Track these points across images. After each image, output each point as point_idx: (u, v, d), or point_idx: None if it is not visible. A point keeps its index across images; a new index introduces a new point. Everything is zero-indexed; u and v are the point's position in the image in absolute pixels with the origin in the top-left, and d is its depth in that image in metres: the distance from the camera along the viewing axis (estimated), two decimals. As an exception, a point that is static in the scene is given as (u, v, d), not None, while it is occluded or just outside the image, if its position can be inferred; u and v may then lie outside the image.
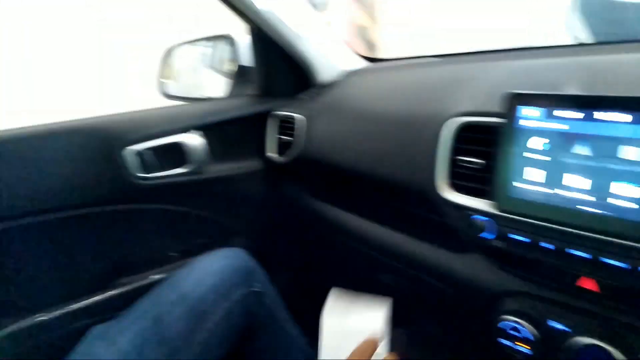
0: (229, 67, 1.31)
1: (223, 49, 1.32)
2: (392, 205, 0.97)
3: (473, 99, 0.73)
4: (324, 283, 1.43)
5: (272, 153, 1.21)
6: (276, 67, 1.20)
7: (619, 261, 0.55)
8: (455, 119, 0.72)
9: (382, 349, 0.61)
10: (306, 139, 1.10)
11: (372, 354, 0.61)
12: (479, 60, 0.94)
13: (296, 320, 1.04)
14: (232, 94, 1.28)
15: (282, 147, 1.18)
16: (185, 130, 1.09)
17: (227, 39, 1.28)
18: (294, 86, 1.20)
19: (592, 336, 0.61)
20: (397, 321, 1.31)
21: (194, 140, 1.10)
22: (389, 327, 0.62)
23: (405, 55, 1.16)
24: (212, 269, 0.91)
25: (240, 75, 1.26)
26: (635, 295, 0.56)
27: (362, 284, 1.36)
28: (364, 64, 1.21)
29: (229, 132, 1.18)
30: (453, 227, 0.74)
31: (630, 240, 0.53)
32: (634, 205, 0.53)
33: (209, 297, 0.85)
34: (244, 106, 1.21)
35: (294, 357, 1.01)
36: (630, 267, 0.54)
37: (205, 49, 1.41)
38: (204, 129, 1.12)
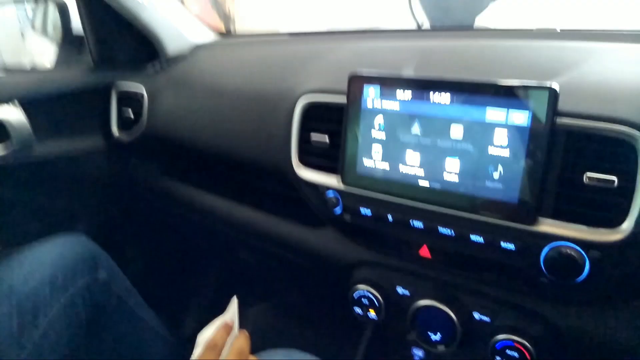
0: (60, 33, 1.14)
1: (53, 12, 1.15)
2: (248, 183, 0.96)
3: (320, 78, 0.75)
4: (181, 264, 1.39)
5: (115, 130, 1.10)
6: (113, 35, 1.08)
7: (447, 229, 0.62)
8: (304, 96, 0.73)
9: (235, 331, 0.63)
10: (153, 115, 1.02)
11: (227, 337, 0.61)
12: (327, 40, 0.96)
13: (155, 304, 0.99)
14: (64, 64, 1.12)
15: (127, 123, 1.08)
16: (2, 103, 0.93)
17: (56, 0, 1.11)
18: (137, 58, 1.10)
19: (429, 298, 0.68)
20: (259, 296, 1.34)
21: (12, 115, 0.94)
22: (238, 313, 0.64)
23: (257, 32, 1.14)
24: (47, 259, 0.81)
25: (73, 42, 1.11)
26: (462, 259, 0.64)
27: (221, 263, 1.35)
28: (215, 38, 1.16)
29: (61, 106, 1.03)
30: (308, 203, 0.76)
31: (456, 210, 0.60)
32: (460, 179, 0.59)
33: (42, 291, 0.76)
34: (79, 78, 1.07)
35: (151, 344, 0.96)
36: (454, 234, 0.61)
37: (31, 12, 1.20)
38: (28, 103, 0.97)
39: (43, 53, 1.16)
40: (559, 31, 0.78)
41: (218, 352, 0.59)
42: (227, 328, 0.63)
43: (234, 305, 0.66)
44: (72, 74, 1.07)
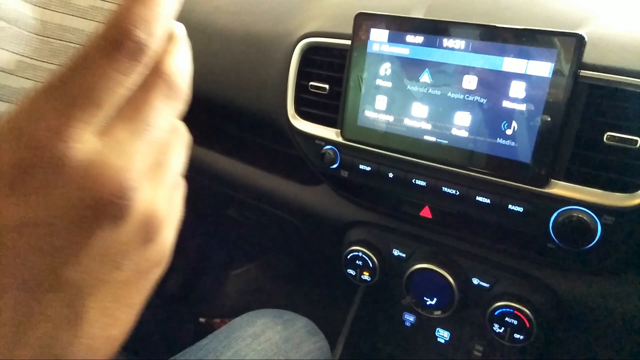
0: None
1: None
2: (238, 134, 0.91)
3: (321, 20, 0.68)
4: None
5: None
6: None
7: (451, 188, 0.58)
8: (303, 39, 0.67)
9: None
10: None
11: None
12: None
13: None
14: None
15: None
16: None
17: None
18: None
19: (427, 261, 0.65)
20: (248, 255, 1.31)
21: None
22: None
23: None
24: None
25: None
26: (462, 220, 0.61)
27: (208, 220, 1.31)
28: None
29: None
30: (303, 158, 0.72)
31: (461, 168, 0.56)
32: (469, 135, 0.55)
33: None
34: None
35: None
36: (459, 194, 0.57)
37: None
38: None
39: None
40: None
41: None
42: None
43: None
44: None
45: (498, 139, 0.53)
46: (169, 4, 0.20)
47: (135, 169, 0.19)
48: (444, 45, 0.55)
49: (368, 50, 0.60)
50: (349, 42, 0.61)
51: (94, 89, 0.18)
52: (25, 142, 0.17)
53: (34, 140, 0.17)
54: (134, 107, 0.20)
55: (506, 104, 0.52)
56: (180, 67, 0.22)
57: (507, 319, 0.59)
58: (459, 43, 0.54)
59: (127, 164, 0.19)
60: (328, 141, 0.66)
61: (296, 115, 0.69)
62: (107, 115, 0.19)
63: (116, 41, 0.18)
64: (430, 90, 0.56)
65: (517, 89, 0.51)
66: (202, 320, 1.23)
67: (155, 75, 0.21)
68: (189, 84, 0.23)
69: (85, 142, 0.18)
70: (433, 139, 0.57)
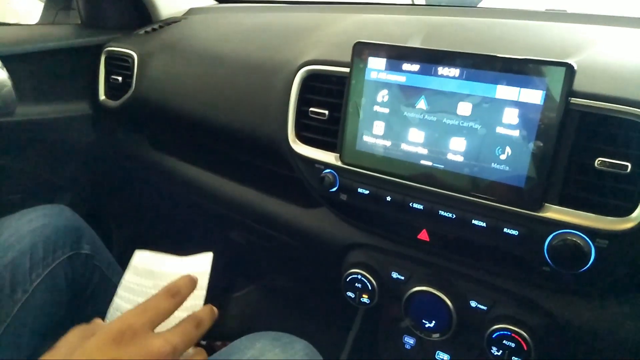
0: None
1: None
2: (240, 158, 0.93)
3: (321, 48, 0.71)
4: (169, 242, 1.35)
5: (102, 95, 1.05)
6: None
7: (448, 212, 0.59)
8: (303, 66, 0.69)
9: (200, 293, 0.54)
10: (142, 80, 0.97)
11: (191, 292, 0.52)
12: (329, 10, 0.92)
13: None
14: (49, 20, 1.06)
15: (115, 89, 1.03)
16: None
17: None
18: (129, 19, 1.05)
19: (425, 284, 0.66)
20: (250, 278, 1.31)
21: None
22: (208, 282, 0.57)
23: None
24: (27, 230, 0.77)
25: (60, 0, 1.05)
26: (459, 243, 0.61)
27: (211, 242, 1.32)
28: (211, 2, 1.11)
29: (45, 66, 0.98)
30: (304, 182, 0.73)
31: (457, 192, 0.57)
32: (464, 160, 0.56)
33: (21, 263, 0.73)
34: (65, 36, 1.02)
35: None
36: (455, 217, 0.59)
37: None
38: (9, 59, 0.91)
39: (29, 11, 1.10)
40: (568, 13, 0.75)
41: (176, 304, 0.47)
42: (193, 283, 0.52)
43: (207, 260, 0.57)
44: (58, 32, 1.02)
45: (492, 163, 0.54)
46: None
47: None
48: (439, 73, 0.57)
49: (366, 77, 0.62)
50: (347, 69, 0.63)
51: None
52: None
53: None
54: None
55: (500, 130, 0.53)
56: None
57: (505, 341, 0.59)
58: (453, 71, 0.56)
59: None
60: (327, 165, 0.67)
61: (296, 140, 0.70)
62: None
63: None
64: (426, 117, 0.58)
65: (510, 115, 0.53)
66: (203, 343, 1.22)
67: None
68: None
69: None
70: (429, 163, 0.59)
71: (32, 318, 0.73)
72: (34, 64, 0.96)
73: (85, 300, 0.83)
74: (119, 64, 1.01)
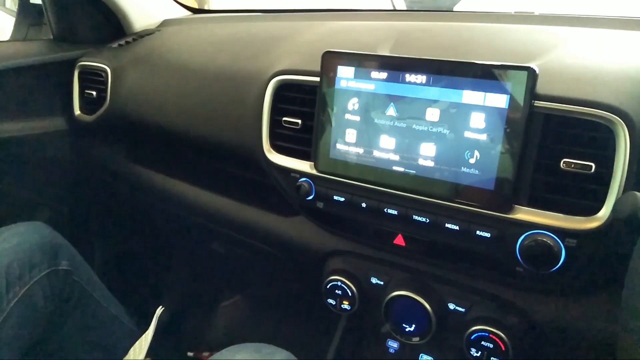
0: (17, 3, 1.07)
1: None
2: (217, 169, 0.93)
3: (293, 58, 0.71)
4: (151, 255, 1.34)
5: (77, 110, 1.04)
6: (75, 7, 1.01)
7: (422, 216, 0.60)
8: (275, 76, 0.70)
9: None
10: (117, 94, 0.96)
11: None
12: (301, 18, 0.92)
13: (123, 296, 0.95)
14: (20, 37, 1.05)
15: (90, 104, 1.02)
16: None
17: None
18: (102, 33, 1.04)
19: (404, 288, 0.66)
20: (230, 288, 1.30)
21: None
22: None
23: (228, 8, 1.09)
24: (2, 249, 0.76)
25: (30, 14, 1.04)
26: (435, 247, 0.62)
27: (192, 253, 1.31)
28: (184, 13, 1.11)
29: (17, 83, 0.97)
30: (280, 191, 0.73)
31: (429, 197, 0.58)
32: (435, 165, 0.57)
33: None
34: (37, 52, 1.00)
35: (118, 336, 0.93)
36: (429, 221, 0.59)
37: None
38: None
39: (1, 28, 1.09)
40: (537, 15, 0.76)
41: None
42: None
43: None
44: (30, 48, 1.01)
45: (462, 167, 0.55)
46: None
47: None
48: (407, 80, 0.57)
49: (336, 86, 0.62)
50: (318, 78, 0.64)
51: None
52: None
53: None
54: None
55: (468, 134, 0.54)
56: None
57: (483, 342, 0.60)
58: (420, 78, 0.56)
59: None
60: (303, 174, 0.68)
61: (271, 150, 0.71)
62: None
63: None
64: (396, 123, 0.59)
65: (477, 120, 0.53)
66: (190, 354, 1.21)
67: None
68: None
69: None
70: (401, 169, 0.59)
71: (11, 337, 0.72)
72: (7, 81, 0.95)
73: (67, 315, 0.83)
74: (92, 78, 1.00)
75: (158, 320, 1.19)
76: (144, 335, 0.64)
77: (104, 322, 0.91)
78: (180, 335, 1.27)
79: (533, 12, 0.78)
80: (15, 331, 0.73)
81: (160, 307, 0.63)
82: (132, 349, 0.65)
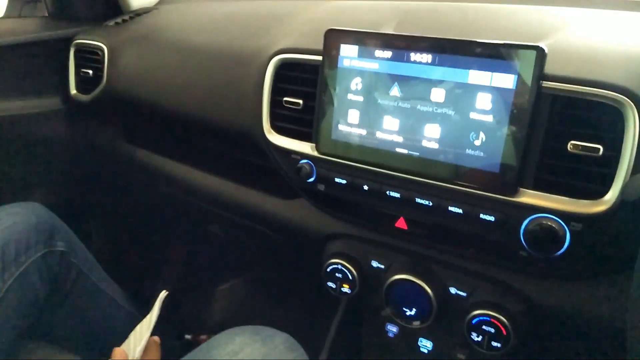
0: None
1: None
2: (216, 150, 0.91)
3: (294, 36, 0.69)
4: (148, 236, 1.33)
5: (73, 89, 1.02)
6: None
7: (424, 199, 0.59)
8: (276, 55, 0.68)
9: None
10: (114, 73, 0.95)
11: None
12: None
13: (120, 277, 0.95)
14: (15, 14, 1.03)
15: (87, 83, 1.00)
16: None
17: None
18: (98, 10, 1.02)
19: (405, 272, 0.65)
20: (229, 271, 1.30)
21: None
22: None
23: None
24: None
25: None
26: (437, 230, 0.61)
27: (189, 235, 1.31)
28: (183, -10, 1.08)
29: (12, 61, 0.95)
30: (280, 172, 0.72)
31: (433, 179, 0.57)
32: (439, 146, 0.56)
33: None
34: (32, 29, 0.98)
35: (114, 318, 0.92)
36: (432, 204, 0.58)
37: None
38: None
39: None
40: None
41: None
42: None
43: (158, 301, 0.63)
44: (24, 25, 0.99)
45: (467, 149, 0.54)
46: None
47: None
48: (412, 59, 0.56)
49: (339, 65, 0.61)
50: (320, 57, 0.62)
51: None
52: None
53: None
54: None
55: (473, 115, 0.53)
56: None
57: (484, 327, 0.60)
58: (425, 57, 0.55)
59: None
60: (304, 155, 0.66)
61: (272, 131, 0.69)
62: None
63: None
64: (400, 104, 0.57)
65: (483, 100, 0.52)
66: (188, 337, 1.22)
67: None
68: None
69: None
70: (405, 151, 0.58)
71: (6, 318, 0.72)
72: (2, 58, 0.93)
73: (63, 297, 0.83)
74: (89, 57, 0.98)
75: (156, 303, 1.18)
76: (145, 319, 0.63)
77: (101, 303, 0.91)
78: (177, 318, 1.27)
79: (539, -7, 0.76)
80: (11, 312, 0.72)
81: (164, 291, 0.63)
82: (132, 333, 0.65)
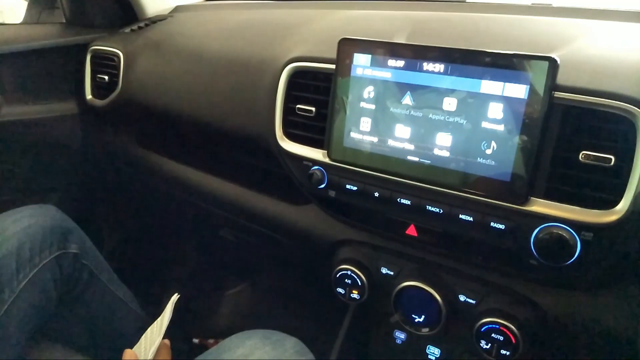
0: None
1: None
2: (229, 156, 0.92)
3: (308, 45, 0.70)
4: (159, 240, 1.35)
5: (89, 95, 1.04)
6: None
7: (435, 207, 0.59)
8: (290, 63, 0.69)
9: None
10: (129, 79, 0.96)
11: None
12: (314, 6, 0.91)
13: (130, 281, 0.96)
14: (33, 20, 1.05)
15: (102, 88, 1.02)
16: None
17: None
18: (114, 17, 1.04)
19: (414, 279, 0.66)
20: (239, 275, 1.31)
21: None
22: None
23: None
24: (13, 231, 0.77)
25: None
26: (447, 238, 0.62)
27: (200, 240, 1.32)
28: (197, -1, 1.10)
29: (30, 66, 0.97)
30: (292, 179, 0.73)
31: (444, 187, 0.58)
32: (451, 155, 0.56)
33: (7, 264, 0.73)
34: (49, 35, 1.00)
35: (124, 321, 0.93)
36: (443, 212, 0.59)
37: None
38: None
39: (12, 9, 1.09)
40: (554, 7, 0.76)
41: None
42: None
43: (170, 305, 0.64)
44: (43, 31, 1.01)
45: (478, 158, 0.54)
46: None
47: None
48: (424, 68, 0.57)
49: (352, 74, 0.62)
50: (333, 66, 0.63)
51: None
52: None
53: None
54: None
55: (485, 124, 0.54)
56: None
57: (493, 335, 0.60)
58: (438, 67, 0.56)
59: None
60: (315, 162, 0.67)
61: (284, 137, 0.70)
62: None
63: None
64: (412, 112, 0.58)
65: (495, 110, 0.53)
66: (195, 341, 1.22)
67: None
68: None
69: None
70: (416, 159, 0.59)
71: (19, 318, 0.73)
72: (20, 63, 0.95)
73: (74, 298, 0.84)
74: (105, 62, 1.00)
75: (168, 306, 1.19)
76: (156, 322, 0.64)
77: (112, 306, 0.91)
78: (185, 321, 1.28)
79: (550, 4, 0.77)
80: (24, 312, 0.73)
81: (176, 294, 0.64)
82: (143, 336, 0.66)
